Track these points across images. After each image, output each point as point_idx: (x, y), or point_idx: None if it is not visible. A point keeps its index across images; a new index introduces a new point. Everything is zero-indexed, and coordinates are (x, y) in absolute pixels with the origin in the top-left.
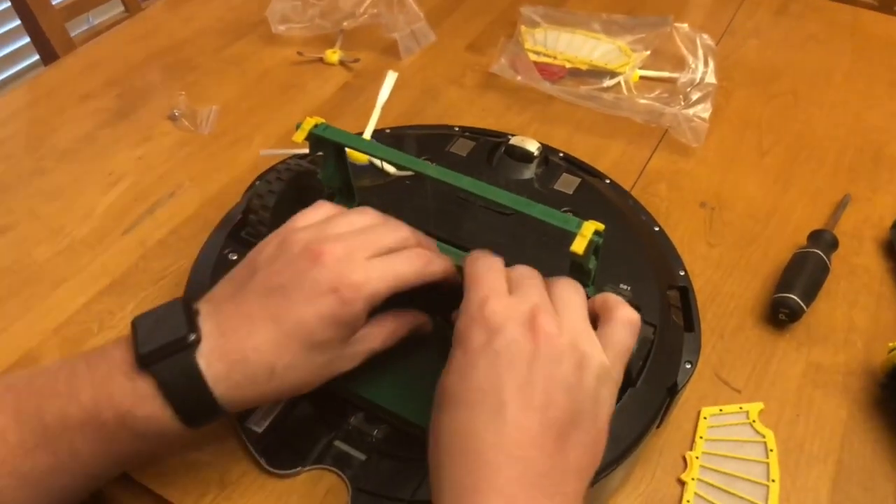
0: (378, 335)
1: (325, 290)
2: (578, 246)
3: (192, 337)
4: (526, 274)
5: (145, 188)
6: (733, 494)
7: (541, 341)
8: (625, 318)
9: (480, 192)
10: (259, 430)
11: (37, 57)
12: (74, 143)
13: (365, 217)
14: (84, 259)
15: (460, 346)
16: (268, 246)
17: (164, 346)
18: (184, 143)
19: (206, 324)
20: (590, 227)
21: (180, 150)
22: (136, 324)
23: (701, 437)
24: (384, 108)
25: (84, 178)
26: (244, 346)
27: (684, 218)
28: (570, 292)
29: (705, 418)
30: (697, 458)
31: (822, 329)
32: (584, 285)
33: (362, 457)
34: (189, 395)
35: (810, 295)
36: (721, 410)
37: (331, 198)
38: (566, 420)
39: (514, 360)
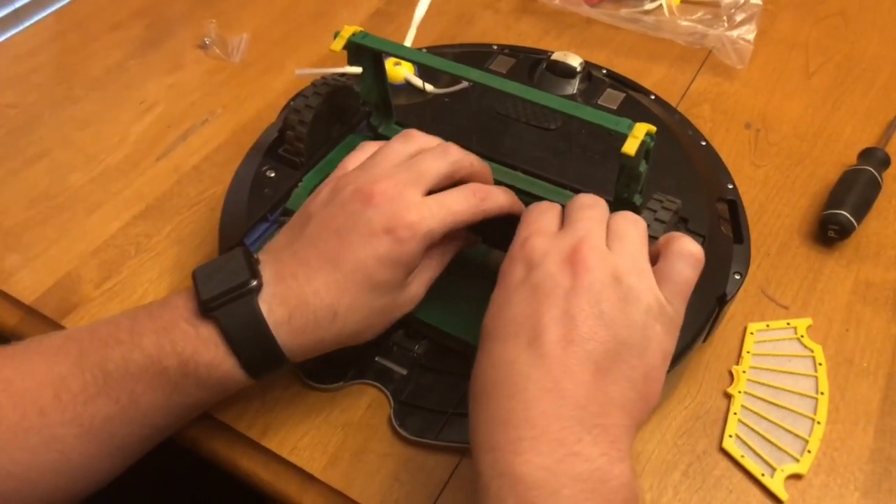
0: (429, 264)
1: (380, 230)
2: (630, 147)
3: (254, 283)
4: (586, 203)
5: (177, 115)
6: (781, 407)
7: (580, 274)
8: (684, 251)
9: (528, 96)
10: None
11: None
12: (105, 72)
13: (411, 143)
14: (118, 184)
15: (501, 283)
16: (320, 193)
17: (225, 292)
18: (215, 72)
19: (266, 271)
20: (642, 129)
21: (211, 78)
22: (197, 273)
23: (748, 352)
24: (419, 31)
25: (115, 106)
26: (304, 290)
27: (728, 139)
28: (627, 226)
29: (752, 333)
30: (744, 371)
31: (872, 247)
32: (634, 192)
33: (403, 371)
34: (251, 341)
35: (861, 212)
36: (768, 326)
37: (368, 115)
38: (607, 354)
39: (550, 293)
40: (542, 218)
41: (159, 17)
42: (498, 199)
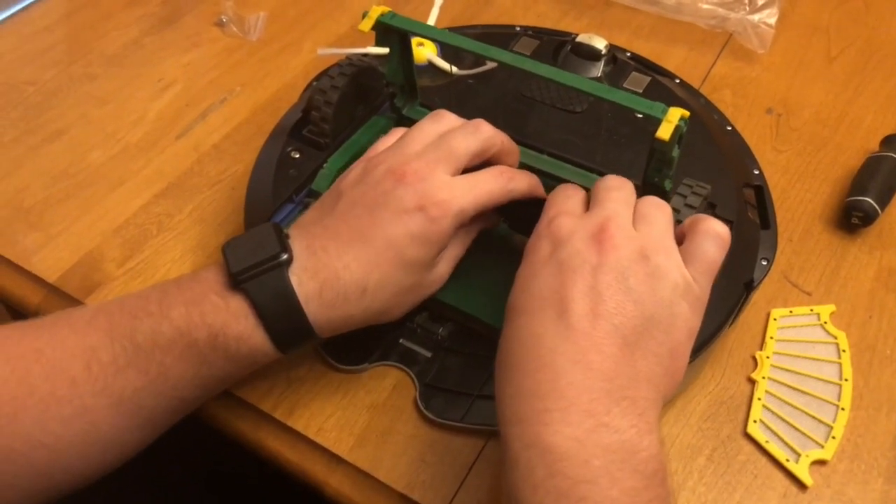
0: (455, 244)
1: (412, 207)
2: (665, 132)
3: (285, 256)
4: (613, 185)
5: (196, 94)
6: (805, 393)
7: (607, 251)
8: (710, 231)
9: (561, 79)
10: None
11: None
12: (122, 50)
13: (441, 123)
14: (139, 163)
15: (526, 260)
16: (351, 172)
17: (256, 265)
18: (232, 50)
19: (296, 245)
20: (676, 113)
21: (229, 56)
22: (227, 246)
23: (771, 338)
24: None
25: (133, 83)
26: (335, 264)
27: (749, 124)
28: (654, 209)
29: (775, 319)
30: (768, 357)
31: (895, 234)
32: (665, 176)
33: (428, 354)
34: (281, 314)
35: (884, 199)
36: (791, 312)
37: (391, 96)
38: (634, 328)
39: (577, 269)
40: (568, 200)
41: None
42: (523, 180)
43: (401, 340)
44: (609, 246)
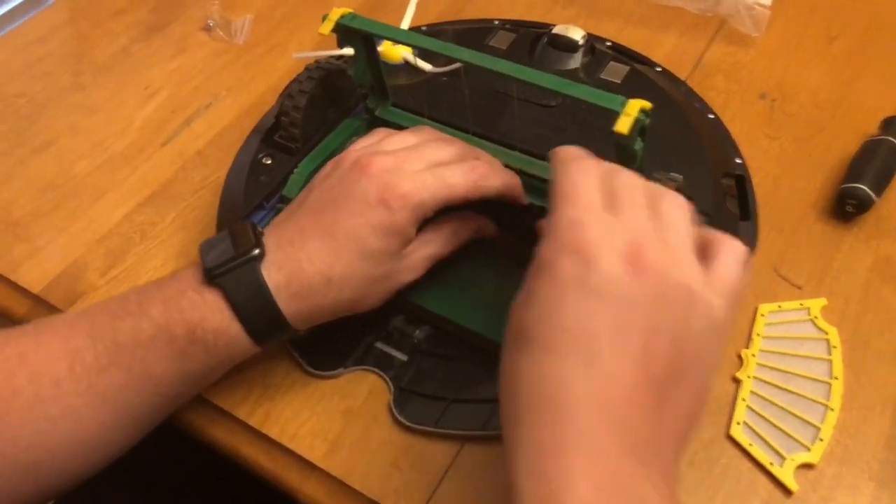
0: (436, 239)
1: (374, 200)
2: (623, 125)
3: (257, 251)
4: (629, 184)
5: (181, 100)
6: (792, 392)
7: (647, 279)
8: (737, 254)
9: (517, 74)
10: (299, 331)
11: None
12: (110, 58)
13: (420, 134)
14: (124, 171)
15: (545, 275)
16: (325, 168)
17: (229, 260)
18: (219, 54)
19: (268, 241)
20: (635, 106)
21: (215, 60)
22: (203, 245)
23: (758, 335)
24: (420, 7)
25: (121, 92)
26: (298, 255)
27: (742, 110)
28: (678, 214)
29: (763, 315)
30: (754, 355)
31: (893, 221)
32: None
33: (404, 357)
34: (254, 306)
35: (881, 185)
36: (780, 307)
37: (364, 97)
38: (669, 374)
39: (611, 300)
40: (585, 188)
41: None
42: (496, 180)
43: (377, 344)
44: (649, 273)
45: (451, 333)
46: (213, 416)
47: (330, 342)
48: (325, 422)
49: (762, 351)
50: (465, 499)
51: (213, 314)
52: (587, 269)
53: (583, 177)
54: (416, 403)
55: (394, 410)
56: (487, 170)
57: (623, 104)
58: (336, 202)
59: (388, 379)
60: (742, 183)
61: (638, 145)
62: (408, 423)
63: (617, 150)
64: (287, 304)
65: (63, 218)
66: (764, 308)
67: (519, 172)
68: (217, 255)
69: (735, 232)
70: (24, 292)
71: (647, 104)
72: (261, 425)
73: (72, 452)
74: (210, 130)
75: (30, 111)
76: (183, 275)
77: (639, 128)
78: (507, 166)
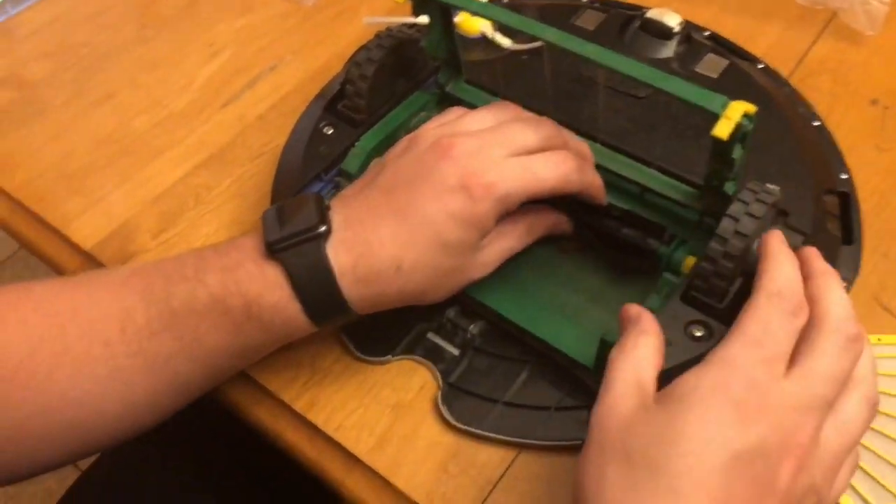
0: (512, 234)
1: (454, 185)
2: (722, 130)
3: (323, 228)
4: (828, 364)
5: (246, 61)
6: (890, 438)
7: (797, 483)
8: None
9: (607, 60)
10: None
11: None
12: (177, 12)
13: (505, 112)
14: (182, 131)
15: (697, 407)
16: (398, 145)
17: (293, 234)
18: (286, 15)
19: (335, 217)
20: (737, 109)
21: (283, 22)
22: (266, 215)
23: None
24: None
25: (184, 48)
26: (369, 237)
27: (849, 117)
28: (859, 422)
29: None
30: None
31: None
32: (725, 179)
33: (455, 351)
34: (316, 286)
35: None
36: (880, 340)
37: (436, 71)
38: None
39: (751, 479)
40: (774, 334)
41: None
42: (591, 176)
43: (429, 335)
44: (797, 480)
45: (507, 332)
46: (258, 396)
47: (380, 328)
48: (373, 414)
49: None
50: None
51: (271, 291)
52: (741, 430)
53: (790, 289)
54: (465, 402)
55: (440, 406)
56: (576, 162)
57: (724, 105)
58: (411, 184)
59: (437, 372)
60: (847, 201)
61: (737, 152)
62: (453, 422)
63: (712, 156)
64: (351, 288)
65: (118, 174)
66: None
67: (600, 168)
68: (279, 228)
69: (835, 257)
70: (75, 248)
71: (750, 107)
72: (306, 411)
73: (121, 414)
74: (273, 95)
75: (92, 61)
76: (243, 243)
77: (740, 134)
78: None
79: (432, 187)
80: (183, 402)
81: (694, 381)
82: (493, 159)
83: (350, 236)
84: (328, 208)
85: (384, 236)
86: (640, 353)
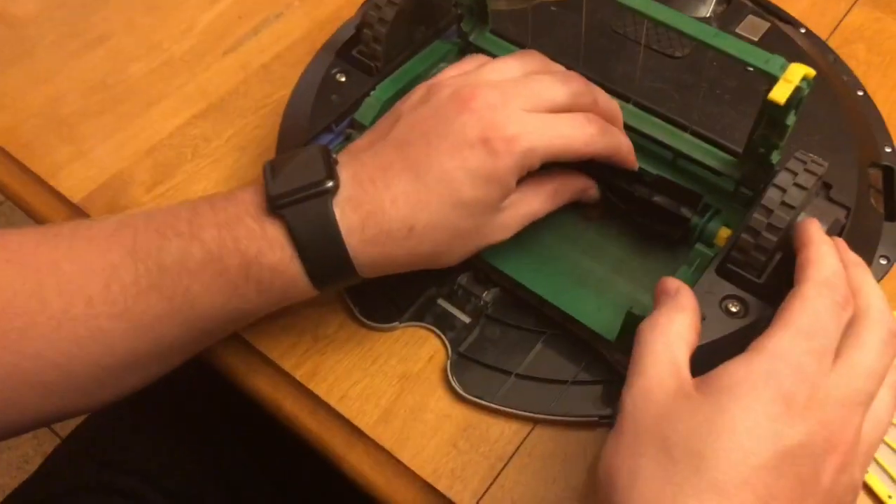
0: (535, 198)
1: (474, 139)
2: (780, 93)
3: (330, 183)
4: (876, 319)
5: (250, 6)
6: None
7: (838, 483)
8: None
9: (653, 13)
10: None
11: None
12: None
13: (530, 62)
14: (181, 78)
15: (741, 400)
16: (414, 94)
17: (297, 189)
18: None
19: (343, 172)
20: (797, 72)
21: None
22: (268, 166)
23: None
24: None
25: None
26: (381, 196)
27: (885, 87)
28: (892, 400)
29: None
30: None
31: None
32: (774, 147)
33: (466, 319)
34: (320, 246)
35: None
36: None
37: (459, 18)
38: None
39: (792, 477)
40: (825, 326)
41: None
42: (619, 138)
43: (439, 301)
44: (837, 479)
45: (521, 301)
46: (256, 364)
47: (387, 292)
48: (378, 385)
49: None
50: (531, 489)
51: (271, 249)
52: (790, 425)
53: (833, 297)
54: (476, 372)
55: (450, 377)
56: (606, 125)
57: (783, 67)
58: (427, 138)
59: (446, 341)
60: (891, 176)
61: (791, 119)
62: (463, 393)
63: (762, 122)
64: (358, 250)
65: (112, 122)
66: None
67: (630, 129)
68: (283, 182)
69: (878, 233)
70: (62, 200)
71: (810, 71)
72: (307, 380)
73: (99, 377)
74: (278, 43)
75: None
76: (242, 197)
77: (797, 99)
78: None
79: (450, 142)
80: (167, 368)
81: (743, 371)
82: (515, 111)
83: (359, 193)
84: (336, 162)
85: (396, 194)
86: (675, 329)
